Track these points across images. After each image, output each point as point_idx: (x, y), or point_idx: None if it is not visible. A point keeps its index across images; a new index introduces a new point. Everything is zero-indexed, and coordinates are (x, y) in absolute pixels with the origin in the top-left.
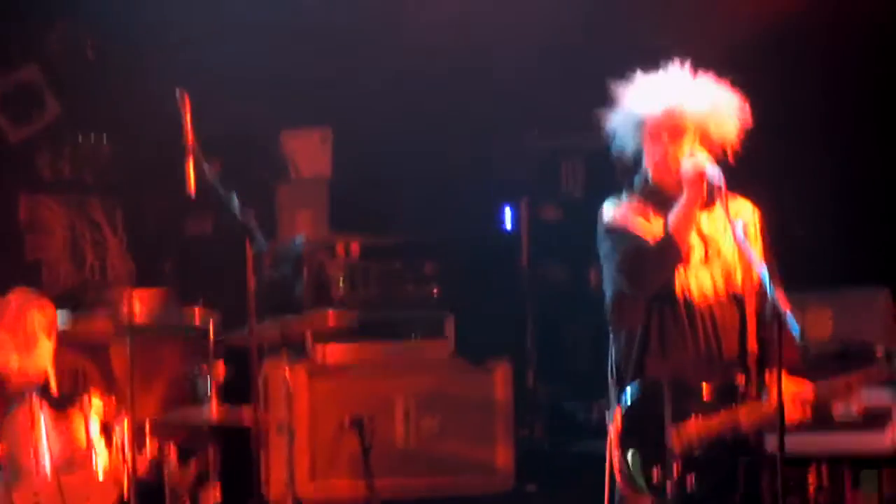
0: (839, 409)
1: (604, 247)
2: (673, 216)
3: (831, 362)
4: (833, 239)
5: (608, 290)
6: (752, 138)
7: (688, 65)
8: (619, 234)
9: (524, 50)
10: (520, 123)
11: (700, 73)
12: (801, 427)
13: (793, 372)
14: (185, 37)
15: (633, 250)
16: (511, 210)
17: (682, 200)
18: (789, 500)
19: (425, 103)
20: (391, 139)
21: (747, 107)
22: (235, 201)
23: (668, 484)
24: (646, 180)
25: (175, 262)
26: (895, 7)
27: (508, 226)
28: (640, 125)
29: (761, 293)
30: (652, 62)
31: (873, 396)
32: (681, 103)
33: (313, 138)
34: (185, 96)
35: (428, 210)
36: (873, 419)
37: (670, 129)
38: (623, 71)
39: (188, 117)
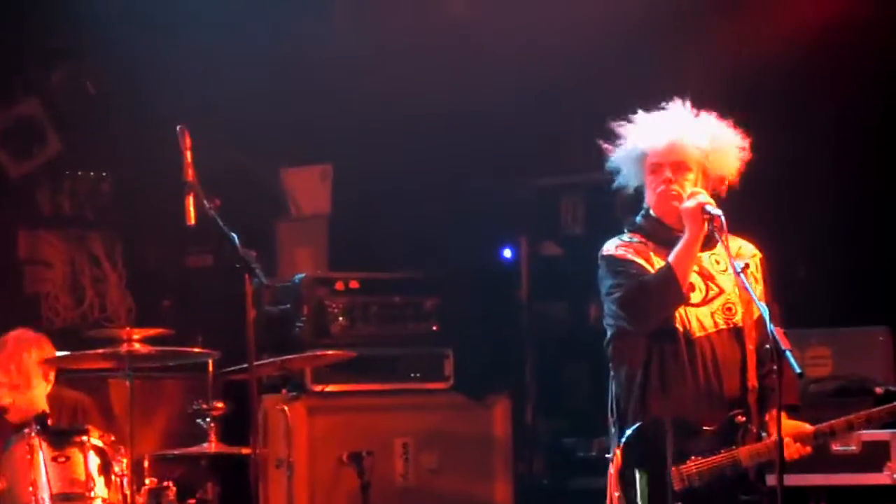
0: (838, 445)
1: (605, 284)
2: (674, 253)
3: (830, 400)
4: (834, 278)
5: (609, 327)
6: (754, 178)
7: (689, 103)
8: (621, 270)
9: (525, 87)
10: (520, 160)
11: (701, 111)
12: (800, 464)
13: (792, 410)
14: (186, 74)
15: (634, 286)
16: (511, 247)
17: (684, 238)
18: None
19: (425, 139)
20: (391, 176)
21: (747, 144)
22: (235, 238)
23: None
24: (647, 217)
25: (175, 299)
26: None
27: (508, 262)
28: (643, 159)
29: (761, 331)
30: (652, 101)
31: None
32: (683, 137)
33: (313, 175)
34: (185, 133)
35: (428, 246)
36: (871, 455)
37: (673, 163)
38: (624, 109)
39: (188, 153)
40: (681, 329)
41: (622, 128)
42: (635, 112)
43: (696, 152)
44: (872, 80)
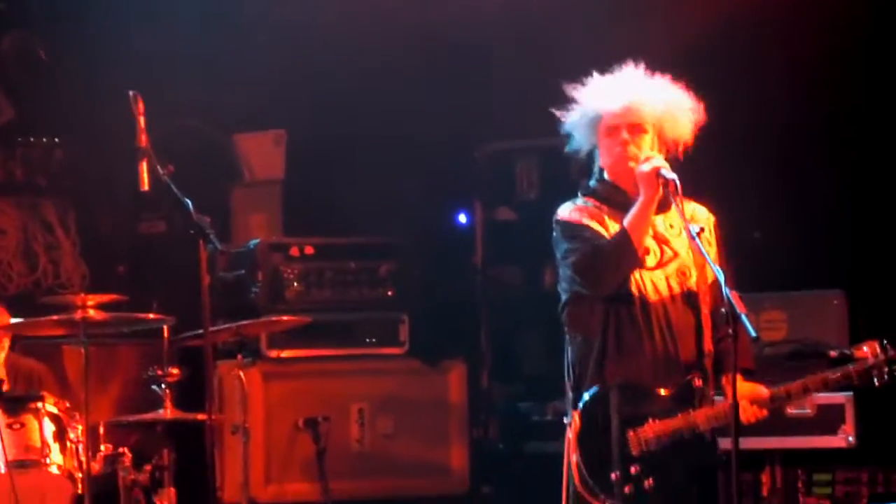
0: (793, 408)
1: (560, 248)
2: (629, 217)
3: (786, 363)
4: (788, 243)
5: (563, 292)
6: (708, 142)
7: (643, 66)
8: (576, 235)
9: (479, 52)
10: (475, 125)
11: (656, 74)
12: (755, 427)
13: (748, 373)
14: (139, 39)
15: (589, 250)
16: (465, 212)
17: (639, 201)
18: (743, 503)
19: (380, 105)
20: (345, 141)
21: (702, 108)
22: (189, 204)
23: (626, 486)
24: (601, 181)
25: (129, 265)
26: (852, 9)
27: (463, 227)
28: (598, 122)
29: (716, 294)
30: (607, 64)
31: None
32: (639, 98)
33: (267, 141)
34: (138, 99)
35: (382, 212)
36: (826, 418)
37: (629, 125)
38: (578, 72)
39: (141, 119)
40: (636, 293)
41: (576, 91)
42: (590, 76)
43: (651, 114)
44: (824, 42)
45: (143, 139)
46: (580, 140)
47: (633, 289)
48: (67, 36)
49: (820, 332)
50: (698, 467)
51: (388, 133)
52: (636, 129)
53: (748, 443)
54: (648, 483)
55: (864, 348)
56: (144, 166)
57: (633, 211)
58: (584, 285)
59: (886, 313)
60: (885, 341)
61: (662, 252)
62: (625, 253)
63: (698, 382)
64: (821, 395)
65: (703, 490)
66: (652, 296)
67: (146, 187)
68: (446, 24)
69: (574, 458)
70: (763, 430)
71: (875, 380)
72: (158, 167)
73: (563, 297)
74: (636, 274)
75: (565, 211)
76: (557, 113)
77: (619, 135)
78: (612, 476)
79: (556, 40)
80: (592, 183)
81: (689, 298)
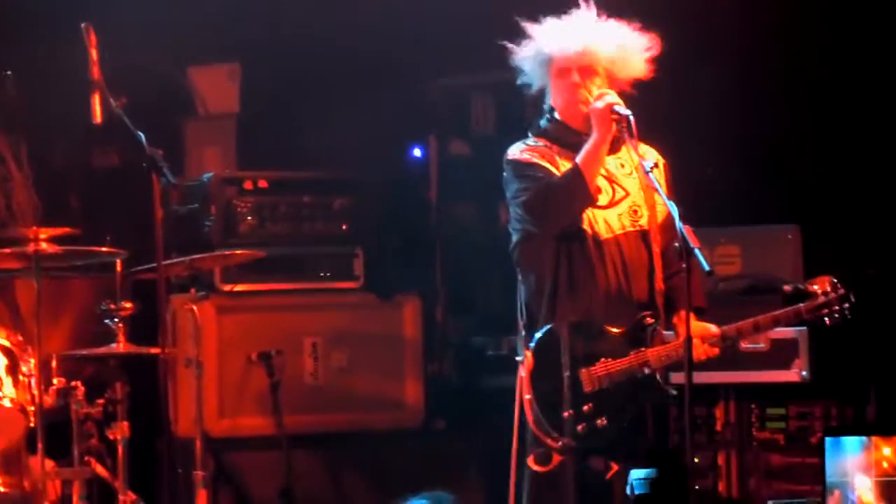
0: (746, 343)
1: (511, 188)
2: (582, 154)
3: (740, 297)
4: (742, 177)
5: (515, 231)
6: (660, 79)
7: (594, 8)
8: (527, 174)
9: None
10: (430, 59)
11: (607, 16)
12: (709, 362)
13: (699, 312)
14: None
15: (541, 188)
16: (420, 146)
17: (592, 138)
18: (696, 437)
19: (335, 39)
20: (300, 76)
21: (655, 46)
22: (142, 137)
23: (579, 425)
24: (552, 120)
25: (81, 198)
26: None
27: (418, 161)
28: (550, 63)
29: (667, 232)
30: (561, 3)
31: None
32: (591, 41)
33: (221, 74)
34: (90, 31)
35: (337, 146)
36: (780, 352)
37: (581, 67)
38: (534, 8)
39: (94, 52)
40: (589, 231)
41: (530, 29)
42: (545, 11)
43: (603, 56)
44: None
45: (96, 71)
46: (532, 78)
47: (586, 226)
48: None
49: (774, 266)
50: (651, 405)
51: (343, 67)
52: (587, 71)
53: (701, 377)
54: (601, 421)
55: (817, 285)
56: (97, 99)
57: (586, 148)
58: (534, 223)
59: (840, 248)
60: (836, 280)
61: (614, 191)
62: (577, 190)
63: (650, 320)
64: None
65: (656, 427)
66: (604, 233)
67: (99, 120)
68: None
69: (527, 396)
70: (717, 364)
71: (826, 318)
72: (111, 100)
73: (515, 236)
74: (589, 212)
75: (516, 151)
76: (510, 48)
77: (570, 77)
78: (565, 415)
79: None
80: (543, 123)
81: (641, 237)
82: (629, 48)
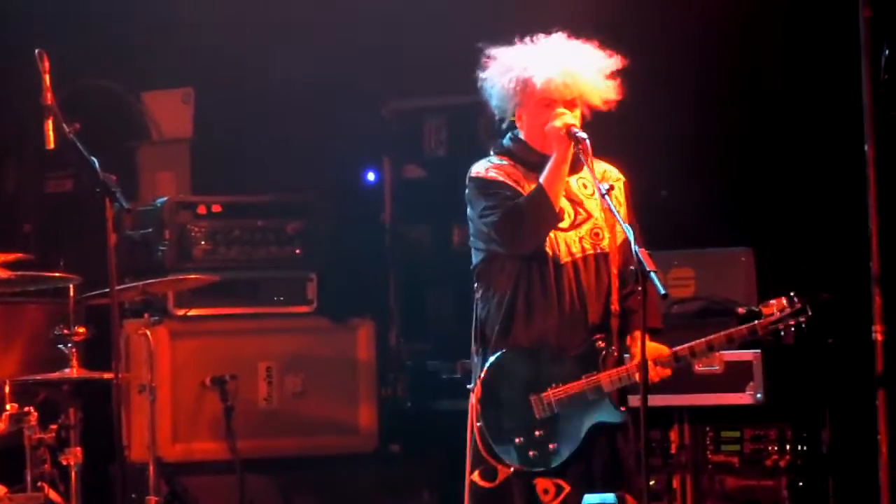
0: (701, 365)
1: (476, 206)
2: (544, 175)
3: (694, 320)
4: (696, 200)
5: (478, 251)
6: (615, 101)
7: (563, 30)
8: (494, 193)
9: (389, 11)
10: (383, 83)
11: (575, 38)
12: (664, 384)
13: (654, 332)
14: None
15: (510, 210)
16: (374, 169)
17: (552, 159)
18: (651, 461)
19: (289, 63)
20: (253, 99)
21: (619, 71)
22: (95, 162)
23: (531, 450)
24: (515, 139)
25: (35, 224)
26: None
27: (371, 185)
28: (530, 92)
29: (625, 253)
30: (515, 25)
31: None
32: (575, 75)
33: (174, 98)
34: (43, 56)
35: (291, 170)
36: (735, 375)
37: (565, 100)
38: (489, 32)
39: (47, 77)
40: (550, 254)
41: (502, 55)
42: (501, 35)
43: (585, 88)
44: (728, 4)
45: (49, 97)
46: (500, 101)
47: (548, 248)
48: None
49: (728, 289)
50: (603, 428)
51: (297, 91)
52: (571, 104)
53: (656, 400)
54: (553, 446)
55: (772, 305)
56: (50, 124)
57: (548, 169)
58: (503, 245)
59: (794, 270)
60: (792, 294)
61: (576, 213)
62: (544, 211)
63: (602, 344)
64: (729, 352)
65: (609, 450)
66: (564, 257)
67: (52, 145)
68: None
69: (478, 424)
70: (671, 387)
71: (782, 334)
72: (64, 125)
73: (477, 255)
74: (551, 234)
75: (481, 168)
76: (479, 68)
77: (555, 109)
78: (516, 441)
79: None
80: (506, 142)
81: (601, 259)
82: (604, 77)
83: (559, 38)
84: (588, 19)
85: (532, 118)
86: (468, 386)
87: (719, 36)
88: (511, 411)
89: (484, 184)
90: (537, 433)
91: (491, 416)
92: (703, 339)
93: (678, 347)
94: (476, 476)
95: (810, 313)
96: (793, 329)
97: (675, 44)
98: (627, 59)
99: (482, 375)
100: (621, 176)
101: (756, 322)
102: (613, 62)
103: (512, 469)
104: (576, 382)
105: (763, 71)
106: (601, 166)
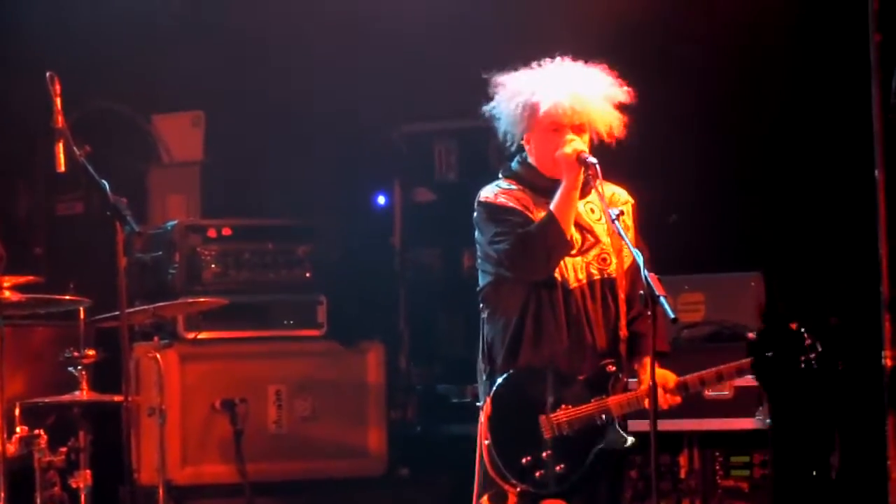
0: (710, 390)
1: (486, 231)
2: (555, 202)
3: (704, 345)
4: (706, 225)
5: (486, 274)
6: (625, 126)
7: (571, 56)
8: (504, 219)
9: (401, 34)
10: (393, 106)
11: (590, 65)
12: (673, 409)
13: (662, 356)
14: (55, 18)
15: (520, 238)
16: (384, 193)
17: (562, 186)
18: (660, 486)
19: (300, 86)
20: (264, 122)
21: (628, 95)
22: (106, 185)
23: (538, 471)
24: (523, 163)
25: (45, 246)
26: (765, 2)
27: (382, 208)
28: (539, 116)
29: (632, 277)
30: (523, 49)
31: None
32: (584, 100)
33: (185, 122)
34: (54, 79)
35: (301, 193)
36: (744, 400)
37: (573, 125)
38: (498, 57)
39: (58, 100)
40: (559, 279)
41: (510, 79)
42: (509, 61)
43: (593, 114)
44: (746, 27)
45: (60, 120)
46: (509, 126)
47: (557, 274)
48: None
49: (738, 314)
50: (610, 453)
51: (307, 114)
52: (581, 129)
53: (666, 425)
54: (559, 468)
55: None
56: (61, 147)
57: (558, 196)
58: (513, 272)
59: (803, 295)
60: (802, 329)
61: (584, 239)
62: (556, 240)
63: (611, 368)
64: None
65: (615, 475)
66: (572, 283)
67: (63, 168)
68: (365, 7)
69: (486, 441)
70: (681, 412)
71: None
72: (75, 148)
73: (485, 277)
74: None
75: (490, 193)
76: (487, 94)
77: (563, 134)
78: (524, 461)
79: (476, 23)
80: (514, 166)
81: (608, 284)
82: (612, 102)
83: (567, 63)
84: (597, 44)
85: (540, 143)
86: (478, 404)
87: (730, 62)
88: (520, 430)
89: (494, 209)
90: (545, 454)
91: (500, 435)
92: (713, 370)
93: (688, 376)
94: (485, 500)
95: (820, 349)
96: (802, 364)
97: (684, 68)
98: (636, 84)
99: (492, 393)
100: (630, 198)
101: (766, 354)
102: (621, 92)
103: (518, 489)
104: (585, 405)
105: (773, 96)
106: (609, 189)
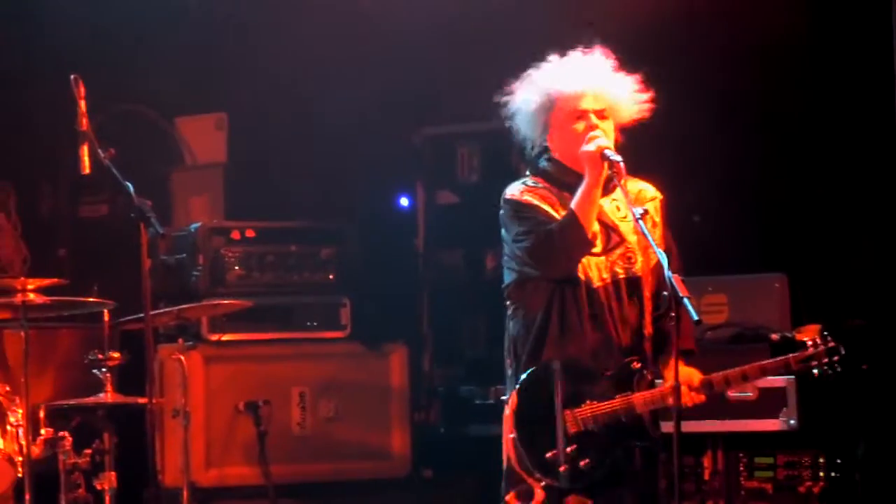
0: (734, 391)
1: (511, 229)
2: (576, 200)
3: (727, 346)
4: (729, 226)
5: (511, 271)
6: (648, 126)
7: (592, 50)
8: (528, 217)
9: (421, 35)
10: (416, 108)
11: (607, 58)
12: (697, 410)
13: (688, 355)
14: (79, 19)
15: (543, 236)
16: (407, 195)
17: (584, 183)
18: (684, 487)
19: (322, 88)
20: (287, 124)
21: (649, 93)
22: (130, 187)
23: (562, 465)
24: (550, 160)
25: (70, 249)
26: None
27: (405, 210)
28: (559, 106)
29: (659, 276)
30: (544, 49)
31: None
32: (604, 86)
33: (208, 124)
34: (79, 82)
35: (324, 195)
36: (768, 401)
37: (596, 111)
38: (520, 58)
39: (82, 103)
40: (583, 278)
41: (530, 74)
42: (533, 61)
43: (613, 98)
44: (771, 26)
45: (85, 123)
46: (530, 123)
47: (580, 273)
48: (7, 19)
49: (761, 315)
50: (636, 449)
51: (330, 116)
52: (603, 114)
53: (690, 426)
54: (584, 463)
55: (807, 334)
56: (86, 150)
57: (580, 193)
58: (539, 268)
59: (827, 296)
60: (825, 332)
61: (610, 237)
62: (576, 238)
63: (636, 365)
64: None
65: (642, 472)
66: (596, 281)
67: (87, 171)
68: (387, 9)
69: (511, 436)
70: (705, 413)
71: (814, 370)
72: (99, 151)
73: (510, 275)
74: (584, 259)
75: (516, 190)
76: (506, 94)
77: (586, 121)
78: (548, 455)
79: (498, 25)
80: (541, 163)
81: (633, 283)
82: (631, 92)
83: (581, 54)
84: (620, 43)
85: (563, 133)
86: (503, 398)
87: (754, 60)
88: (545, 425)
89: (518, 207)
90: (570, 449)
91: (525, 429)
92: (737, 369)
93: (713, 375)
94: (511, 497)
95: (843, 352)
96: (826, 367)
97: (707, 68)
98: (660, 84)
99: (518, 388)
100: (658, 194)
101: (790, 356)
102: (634, 79)
103: (543, 483)
104: (610, 401)
105: (798, 97)
106: (637, 185)
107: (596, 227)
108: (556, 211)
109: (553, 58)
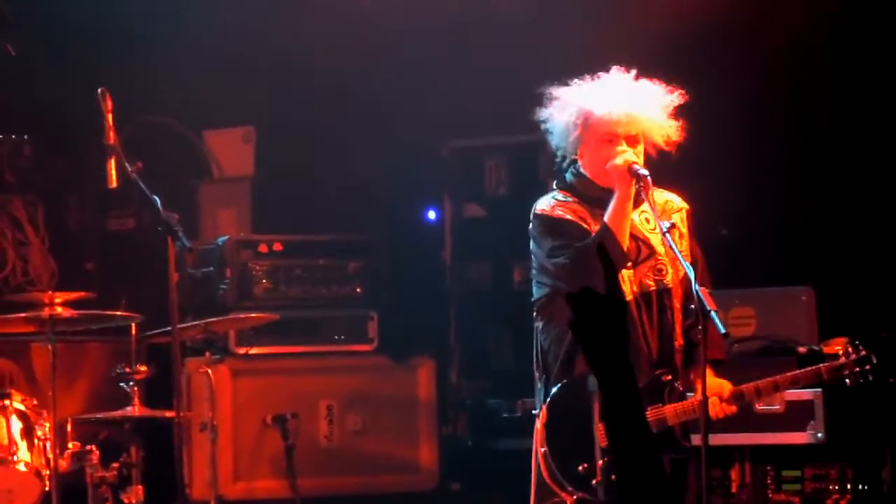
0: (762, 404)
1: (543, 244)
2: (608, 214)
3: (755, 359)
4: (756, 239)
5: (541, 286)
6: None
7: (624, 68)
8: (561, 232)
9: (451, 48)
10: (444, 121)
11: (642, 77)
12: (724, 423)
13: (717, 364)
14: (107, 36)
15: (580, 252)
16: (434, 208)
17: (615, 197)
18: (712, 499)
19: (349, 100)
20: (315, 137)
21: (680, 108)
22: (157, 201)
23: (594, 478)
24: (577, 175)
25: (97, 262)
26: (817, 9)
27: (432, 224)
28: (593, 128)
29: (687, 288)
30: (574, 63)
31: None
32: (637, 110)
33: (236, 137)
34: (106, 96)
35: (351, 208)
36: (796, 414)
37: (627, 135)
38: (550, 72)
39: (109, 117)
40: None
41: (564, 92)
42: (562, 75)
43: (647, 124)
44: (797, 38)
45: (112, 136)
46: (563, 133)
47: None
48: (36, 33)
49: (789, 328)
50: (667, 461)
51: (358, 129)
52: (633, 139)
53: (717, 439)
54: (615, 476)
55: (834, 346)
56: (113, 163)
57: (611, 208)
58: (572, 284)
59: (854, 309)
60: (856, 341)
61: (640, 249)
62: (612, 253)
63: (667, 377)
64: (790, 391)
65: (674, 483)
66: (627, 294)
67: (114, 184)
68: (414, 22)
69: (542, 449)
70: (732, 426)
71: (846, 380)
72: (127, 164)
73: (541, 289)
74: None
75: (546, 205)
76: (543, 103)
77: (617, 144)
78: (580, 468)
79: (526, 38)
80: (569, 177)
81: (664, 295)
82: (665, 113)
83: (620, 75)
84: (650, 58)
85: (594, 154)
86: (534, 412)
87: (782, 73)
88: (577, 438)
89: (551, 222)
90: (601, 462)
91: (556, 442)
92: (768, 379)
93: (744, 386)
94: None
95: (875, 361)
96: (858, 376)
97: (734, 82)
98: (687, 98)
99: (548, 401)
100: (684, 204)
101: (822, 366)
102: (675, 98)
103: (575, 497)
104: None
105: (826, 109)
106: (664, 196)
107: (627, 240)
108: (588, 226)
109: (591, 77)
